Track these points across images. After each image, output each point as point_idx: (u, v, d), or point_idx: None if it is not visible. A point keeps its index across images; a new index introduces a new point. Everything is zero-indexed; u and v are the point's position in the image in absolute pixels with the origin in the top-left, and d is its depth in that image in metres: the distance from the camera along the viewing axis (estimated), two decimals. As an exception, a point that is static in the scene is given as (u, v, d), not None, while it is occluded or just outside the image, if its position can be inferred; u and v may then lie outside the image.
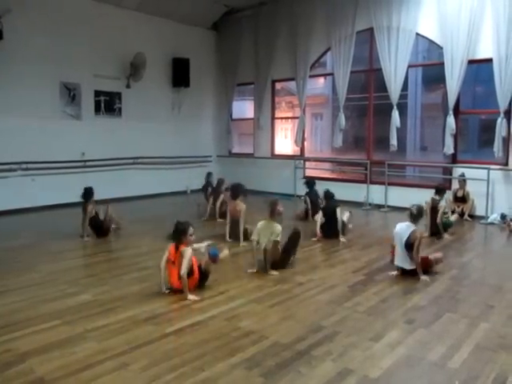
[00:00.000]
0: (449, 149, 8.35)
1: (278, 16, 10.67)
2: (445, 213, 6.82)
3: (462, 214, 7.84)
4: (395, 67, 8.83)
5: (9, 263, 5.28)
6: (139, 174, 10.48)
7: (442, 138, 8.58)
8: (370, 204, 9.30)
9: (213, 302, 4.03)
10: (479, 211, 7.98)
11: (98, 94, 9.75)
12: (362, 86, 10.40)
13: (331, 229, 6.40)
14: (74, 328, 3.49)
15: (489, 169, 7.74)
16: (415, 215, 4.85)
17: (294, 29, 10.38)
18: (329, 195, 6.74)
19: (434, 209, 6.57)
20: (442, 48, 8.33)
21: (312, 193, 8.09)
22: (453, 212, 7.72)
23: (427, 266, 4.84)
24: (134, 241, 6.41)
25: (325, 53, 10.34)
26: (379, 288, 4.46)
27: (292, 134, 11.47)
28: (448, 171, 8.70)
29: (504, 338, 3.36)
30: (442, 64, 8.29)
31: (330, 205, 6.58)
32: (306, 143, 11.12)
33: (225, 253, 5.15)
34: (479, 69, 9.16)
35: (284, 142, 12.00)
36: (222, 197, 7.62)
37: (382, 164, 9.17)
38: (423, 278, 4.66)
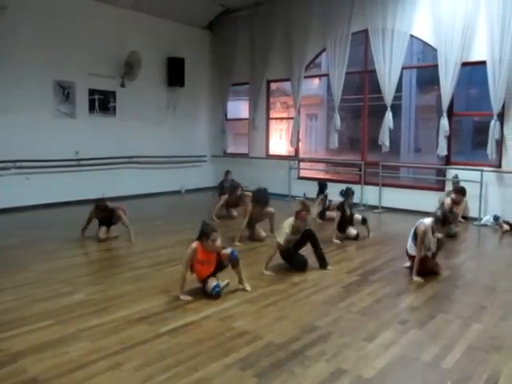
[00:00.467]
0: (442, 150, 8.39)
1: (274, 16, 10.67)
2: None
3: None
4: (389, 69, 8.85)
5: (2, 262, 5.25)
6: (133, 173, 10.44)
7: (435, 140, 8.63)
8: (364, 205, 9.33)
9: (207, 302, 4.02)
10: (472, 213, 8.03)
11: (92, 92, 9.70)
12: (357, 87, 10.43)
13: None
14: (67, 327, 3.47)
15: (482, 170, 7.79)
16: (442, 221, 4.69)
17: (290, 29, 10.39)
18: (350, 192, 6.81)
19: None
20: (436, 50, 8.36)
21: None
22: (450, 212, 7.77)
23: (426, 267, 4.79)
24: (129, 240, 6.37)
25: (320, 53, 10.36)
26: (373, 288, 4.47)
27: (287, 135, 11.48)
28: (442, 173, 8.74)
29: (496, 338, 3.38)
30: (436, 66, 8.32)
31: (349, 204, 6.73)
32: (300, 144, 11.12)
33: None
34: (473, 71, 9.19)
35: (279, 142, 12.01)
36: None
37: (376, 165, 9.19)
38: (416, 279, 4.68)
